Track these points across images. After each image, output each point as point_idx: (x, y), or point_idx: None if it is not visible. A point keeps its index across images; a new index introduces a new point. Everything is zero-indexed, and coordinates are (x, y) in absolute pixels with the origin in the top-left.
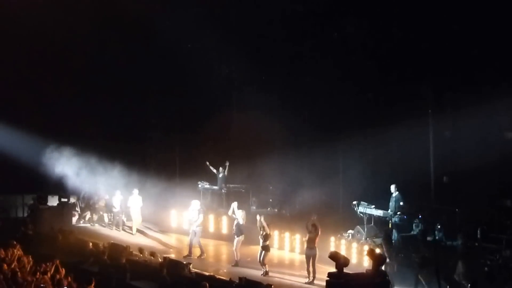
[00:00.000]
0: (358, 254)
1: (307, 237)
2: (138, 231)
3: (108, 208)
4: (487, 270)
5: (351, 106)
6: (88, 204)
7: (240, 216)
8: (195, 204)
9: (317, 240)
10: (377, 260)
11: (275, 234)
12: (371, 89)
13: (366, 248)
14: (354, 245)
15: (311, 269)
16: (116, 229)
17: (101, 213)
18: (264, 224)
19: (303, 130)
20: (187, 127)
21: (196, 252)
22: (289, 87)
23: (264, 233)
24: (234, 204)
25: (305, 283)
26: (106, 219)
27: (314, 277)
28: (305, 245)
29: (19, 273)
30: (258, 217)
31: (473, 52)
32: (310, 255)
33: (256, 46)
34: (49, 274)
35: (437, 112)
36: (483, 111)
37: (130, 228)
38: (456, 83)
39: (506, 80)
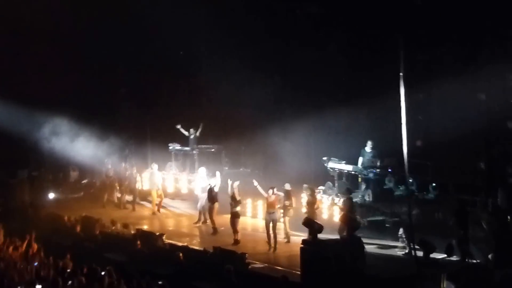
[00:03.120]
0: (329, 210)
1: (267, 201)
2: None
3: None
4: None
5: (323, 71)
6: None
7: (217, 183)
8: (203, 171)
9: (277, 204)
10: (351, 226)
11: (248, 202)
12: (342, 53)
13: (338, 206)
14: (325, 200)
15: (271, 235)
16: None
17: None
18: (235, 190)
19: (274, 94)
20: (158, 95)
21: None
22: (261, 55)
23: (234, 199)
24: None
25: (268, 250)
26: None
27: (275, 241)
28: (266, 210)
29: None
30: (229, 181)
31: (444, 14)
32: (270, 220)
33: (228, 18)
34: (21, 249)
35: (409, 75)
36: (455, 73)
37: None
38: (428, 45)
39: (477, 41)
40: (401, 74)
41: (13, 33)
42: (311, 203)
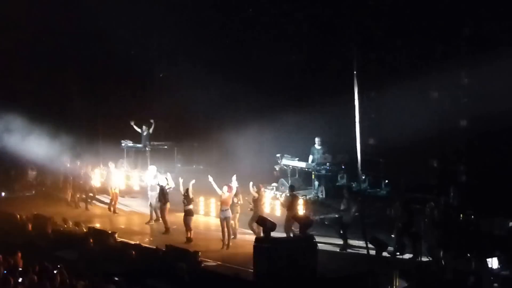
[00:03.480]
0: (282, 207)
1: (221, 198)
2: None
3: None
4: (413, 231)
5: (276, 69)
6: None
7: (171, 184)
8: (153, 169)
9: (230, 202)
10: (304, 224)
11: (201, 200)
12: (296, 51)
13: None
14: (279, 197)
15: (225, 232)
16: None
17: None
18: (190, 187)
19: (227, 91)
20: (110, 92)
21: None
22: (214, 53)
23: (186, 197)
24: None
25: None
26: None
27: (228, 239)
28: (220, 207)
29: None
30: (181, 179)
31: (397, 13)
32: (223, 217)
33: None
34: None
35: (362, 72)
36: (408, 72)
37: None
38: (381, 43)
39: (431, 41)
40: (354, 72)
41: None
42: (257, 200)
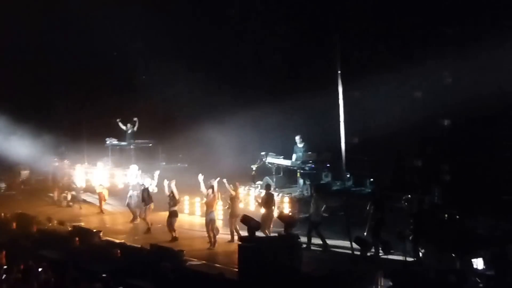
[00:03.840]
0: (258, 205)
1: (204, 200)
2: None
3: None
4: (397, 230)
5: (260, 67)
6: None
7: (154, 184)
8: (134, 169)
9: (215, 204)
10: (289, 223)
11: (186, 199)
12: (280, 49)
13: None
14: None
15: (211, 234)
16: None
17: None
18: (174, 189)
19: (211, 89)
20: (93, 91)
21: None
22: (197, 50)
23: (172, 198)
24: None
25: (208, 248)
26: None
27: (214, 239)
28: (204, 209)
29: None
30: (166, 181)
31: (381, 10)
32: (209, 220)
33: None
34: None
35: (346, 72)
36: (391, 71)
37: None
38: (364, 42)
39: (414, 39)
40: (339, 72)
41: None
42: (234, 198)
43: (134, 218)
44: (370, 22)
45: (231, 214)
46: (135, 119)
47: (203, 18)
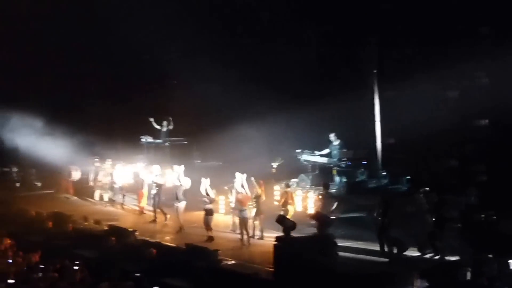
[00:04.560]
0: (303, 202)
1: (236, 198)
2: None
3: None
4: (434, 231)
5: (296, 69)
6: None
7: (184, 181)
8: (157, 169)
9: (248, 202)
10: (323, 223)
11: (221, 199)
12: (316, 51)
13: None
14: (299, 193)
15: (244, 231)
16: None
17: None
18: (208, 188)
19: (246, 87)
20: (128, 89)
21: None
22: (234, 50)
23: (208, 197)
24: (180, 168)
25: (242, 248)
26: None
27: (248, 238)
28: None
29: None
30: (203, 179)
31: (417, 10)
32: (241, 218)
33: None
34: None
35: (381, 72)
36: (427, 71)
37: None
38: (399, 42)
39: (449, 40)
40: (374, 71)
41: None
42: (259, 196)
43: (165, 217)
44: (405, 22)
45: (256, 212)
46: (170, 118)
47: (237, 17)
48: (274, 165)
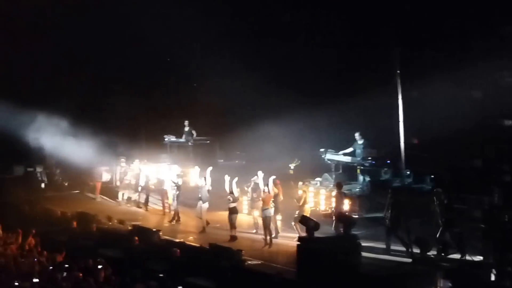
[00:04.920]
0: (326, 201)
1: (260, 198)
2: None
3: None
4: (458, 231)
5: (319, 68)
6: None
7: (209, 182)
8: (176, 169)
9: (270, 201)
10: (347, 224)
11: (244, 199)
12: (339, 51)
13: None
14: (323, 191)
15: (267, 232)
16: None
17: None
18: (234, 186)
19: (270, 87)
20: (150, 89)
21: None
22: (257, 50)
23: (232, 195)
24: (207, 170)
25: (266, 248)
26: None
27: (270, 238)
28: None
29: None
30: (227, 177)
31: (440, 10)
32: (264, 217)
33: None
34: (18, 245)
35: (405, 72)
36: (450, 71)
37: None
38: (423, 42)
39: (473, 39)
40: (398, 72)
41: (10, 27)
42: (276, 196)
43: (173, 219)
44: (429, 21)
45: (275, 211)
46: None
47: (259, 17)
48: (292, 166)
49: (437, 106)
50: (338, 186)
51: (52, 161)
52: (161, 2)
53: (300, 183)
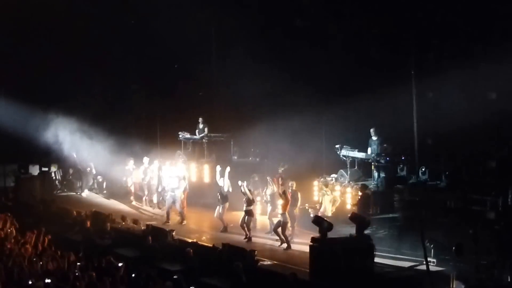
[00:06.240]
0: (341, 197)
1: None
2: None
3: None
4: (471, 232)
5: (335, 67)
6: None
7: (226, 183)
8: (176, 170)
9: (287, 207)
10: (361, 225)
11: (258, 200)
12: (352, 50)
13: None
14: (337, 188)
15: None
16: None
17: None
18: (246, 190)
19: (285, 84)
20: (166, 85)
21: (176, 218)
22: (272, 47)
23: (247, 198)
24: (226, 170)
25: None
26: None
27: (287, 241)
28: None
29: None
30: (240, 183)
31: (455, 10)
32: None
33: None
34: (32, 244)
35: (420, 73)
36: (466, 71)
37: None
38: (438, 43)
39: (488, 40)
40: (412, 72)
41: (25, 26)
42: (275, 194)
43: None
44: (445, 21)
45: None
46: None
47: (276, 14)
48: (279, 170)
49: (453, 105)
50: (363, 187)
51: (67, 161)
52: (178, 4)
53: (315, 182)
